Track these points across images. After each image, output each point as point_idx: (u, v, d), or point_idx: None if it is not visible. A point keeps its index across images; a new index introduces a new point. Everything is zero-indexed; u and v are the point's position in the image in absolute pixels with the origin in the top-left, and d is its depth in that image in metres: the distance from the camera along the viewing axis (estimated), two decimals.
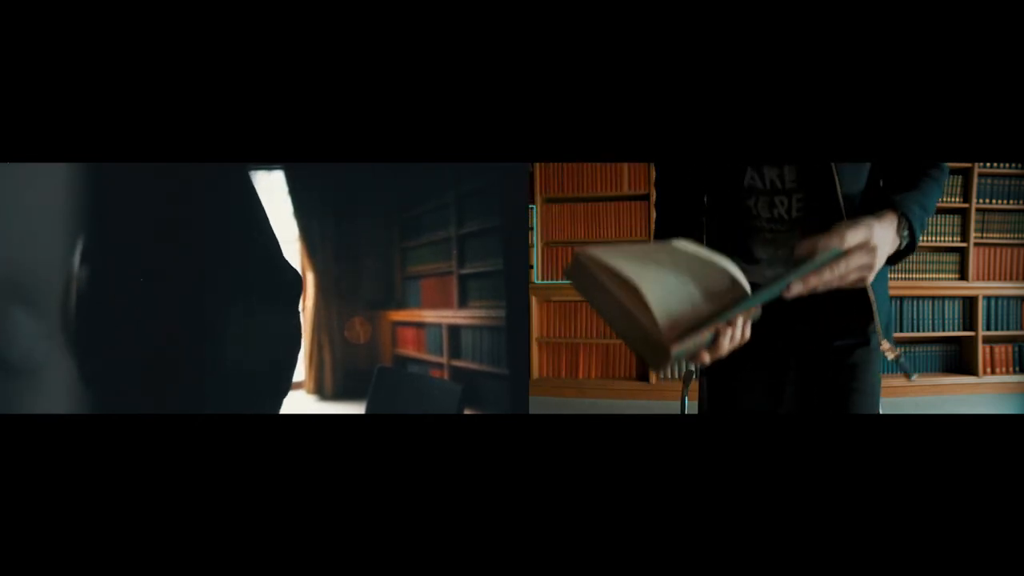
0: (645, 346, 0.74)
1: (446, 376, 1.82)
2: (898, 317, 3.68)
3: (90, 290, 0.83)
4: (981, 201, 3.64)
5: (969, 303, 3.71)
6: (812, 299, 0.80)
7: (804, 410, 1.02)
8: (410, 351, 1.84)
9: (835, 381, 0.99)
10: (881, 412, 1.03)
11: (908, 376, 0.93)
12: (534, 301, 3.87)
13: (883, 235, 0.81)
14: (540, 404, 3.51)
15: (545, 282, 3.91)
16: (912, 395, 3.50)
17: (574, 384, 3.79)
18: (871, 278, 0.82)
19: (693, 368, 1.02)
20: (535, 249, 3.89)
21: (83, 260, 0.84)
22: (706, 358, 0.77)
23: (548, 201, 3.91)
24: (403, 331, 1.85)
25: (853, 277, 0.80)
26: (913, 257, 3.73)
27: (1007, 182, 3.65)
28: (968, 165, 3.58)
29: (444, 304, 1.82)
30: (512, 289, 1.63)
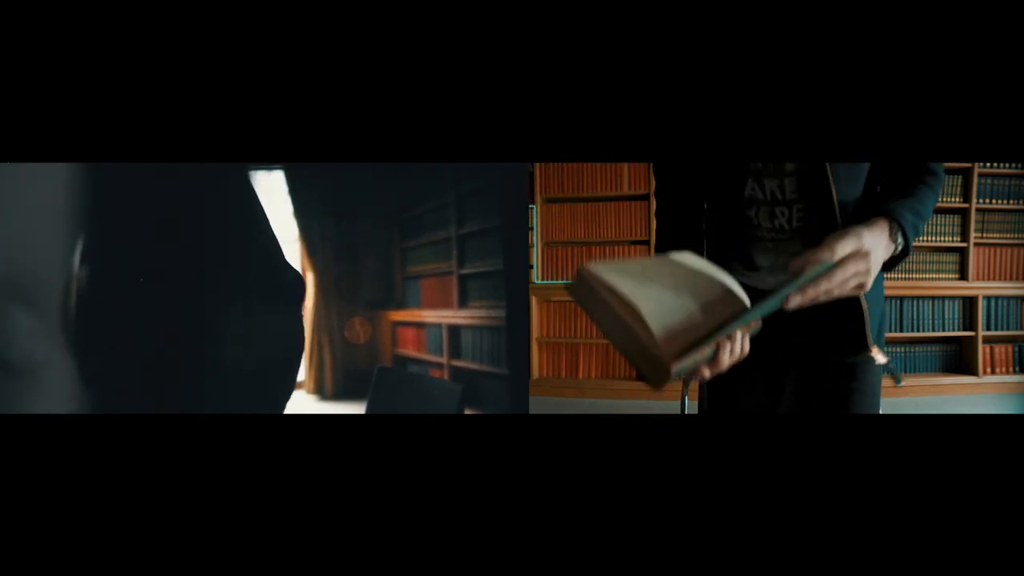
0: (645, 363, 0.75)
1: (446, 376, 1.82)
2: (898, 317, 3.68)
3: (90, 290, 0.83)
4: (981, 201, 3.64)
5: (969, 303, 3.71)
6: (811, 310, 0.81)
7: (804, 410, 1.02)
8: (410, 351, 1.84)
9: (835, 381, 1.00)
10: (881, 412, 1.03)
11: (896, 382, 0.94)
12: (534, 301, 3.87)
13: (874, 241, 0.81)
14: (540, 404, 3.51)
15: (545, 282, 3.91)
16: (912, 395, 3.50)
17: (574, 384, 3.79)
18: (869, 284, 0.82)
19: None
20: (535, 249, 3.89)
21: (83, 260, 0.84)
22: (706, 373, 0.77)
23: (548, 201, 3.91)
24: (403, 331, 1.85)
25: (852, 284, 0.80)
26: (913, 257, 3.74)
27: (1007, 182, 3.65)
28: (968, 165, 3.58)
29: (444, 304, 1.82)
30: (512, 289, 1.63)
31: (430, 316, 1.83)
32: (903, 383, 1.02)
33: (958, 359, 3.77)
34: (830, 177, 0.92)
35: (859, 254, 0.79)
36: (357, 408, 1.64)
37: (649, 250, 3.73)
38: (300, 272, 1.01)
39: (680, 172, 1.05)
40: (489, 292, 1.72)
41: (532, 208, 3.87)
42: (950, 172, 3.61)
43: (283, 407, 0.94)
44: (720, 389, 1.07)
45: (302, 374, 1.76)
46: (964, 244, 3.67)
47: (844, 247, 0.79)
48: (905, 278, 3.64)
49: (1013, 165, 3.57)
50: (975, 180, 3.60)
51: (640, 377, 0.76)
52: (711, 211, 1.05)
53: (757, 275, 1.02)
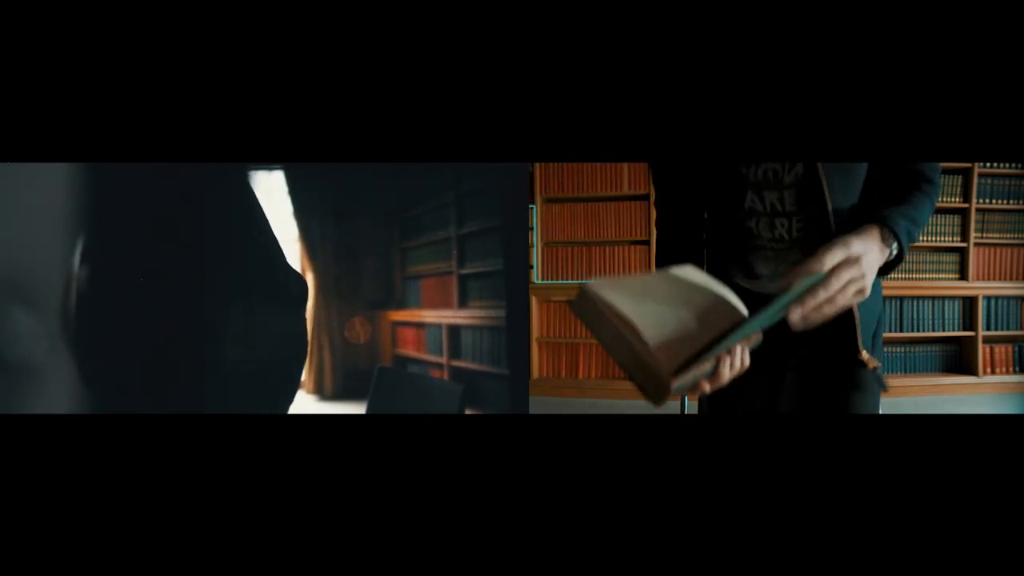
0: (646, 380, 0.76)
1: (446, 376, 1.82)
2: (898, 317, 3.68)
3: (90, 290, 0.83)
4: (981, 201, 3.65)
5: (969, 303, 3.71)
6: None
7: (804, 409, 1.02)
8: (410, 351, 1.84)
9: (834, 382, 1.00)
10: (881, 412, 1.03)
11: (883, 389, 0.94)
12: (534, 301, 3.87)
13: (864, 248, 0.81)
14: (540, 404, 3.51)
15: (545, 282, 3.91)
16: (912, 395, 3.50)
17: (574, 384, 3.80)
18: (868, 290, 0.82)
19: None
20: (535, 249, 3.89)
21: (83, 260, 0.84)
22: (707, 388, 0.78)
23: (548, 201, 3.91)
24: (403, 331, 1.85)
25: (851, 291, 0.80)
26: (913, 257, 3.74)
27: (1007, 182, 3.65)
28: (968, 165, 3.58)
29: (444, 304, 1.82)
30: (512, 289, 1.63)
31: (430, 316, 1.83)
32: (887, 390, 1.02)
33: (958, 359, 3.77)
34: (825, 188, 0.92)
35: (849, 261, 0.80)
36: (357, 408, 1.64)
37: (649, 250, 3.73)
38: (302, 275, 1.01)
39: (680, 182, 1.06)
40: (489, 292, 1.72)
41: (532, 208, 3.87)
42: (950, 172, 3.61)
43: (285, 409, 0.94)
44: (719, 390, 1.07)
45: (303, 375, 1.76)
46: (964, 244, 3.67)
47: (833, 256, 0.79)
48: (905, 278, 3.64)
49: (1013, 165, 3.57)
50: (975, 180, 3.60)
51: (642, 392, 0.77)
52: (711, 221, 1.05)
53: (758, 282, 1.03)
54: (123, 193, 0.86)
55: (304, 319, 0.97)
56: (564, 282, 3.88)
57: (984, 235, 3.67)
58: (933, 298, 3.70)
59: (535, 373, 3.89)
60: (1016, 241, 3.70)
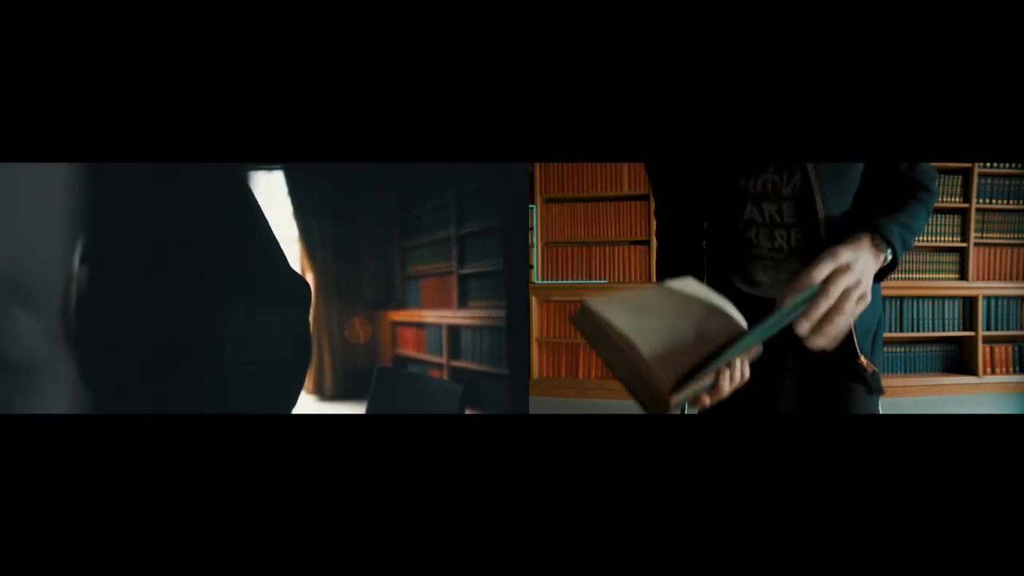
0: (646, 395, 0.77)
1: (446, 376, 1.82)
2: (898, 317, 3.68)
3: (90, 290, 0.83)
4: (981, 201, 3.64)
5: (969, 303, 3.71)
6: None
7: (804, 409, 1.02)
8: (410, 351, 1.84)
9: (834, 383, 1.00)
10: (881, 412, 1.03)
11: (879, 393, 0.94)
12: (534, 301, 3.87)
13: (854, 255, 0.82)
14: (540, 404, 3.51)
15: (545, 282, 3.91)
16: (912, 395, 3.50)
17: (574, 384, 3.80)
18: (868, 295, 0.82)
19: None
20: (535, 249, 3.89)
21: (83, 260, 0.84)
22: (707, 401, 0.78)
23: (548, 201, 3.91)
24: (403, 331, 1.85)
25: (854, 298, 0.80)
26: (913, 257, 3.74)
27: (1007, 182, 3.65)
28: (968, 165, 3.58)
29: (444, 304, 1.82)
30: (512, 289, 1.63)
31: (430, 316, 1.83)
32: (883, 392, 1.03)
33: (958, 359, 3.77)
34: (816, 197, 0.92)
35: (841, 270, 0.80)
36: (357, 408, 1.64)
37: (649, 250, 3.73)
38: (304, 278, 1.01)
39: (679, 193, 1.06)
40: (489, 292, 1.72)
41: (532, 208, 3.87)
42: (950, 172, 3.61)
43: (288, 410, 0.94)
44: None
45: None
46: (964, 244, 3.67)
47: (822, 269, 0.80)
48: (905, 278, 3.64)
49: (1013, 165, 3.57)
50: (975, 180, 3.60)
51: (642, 407, 0.78)
52: (711, 230, 1.05)
53: (758, 288, 1.03)
54: (123, 193, 0.86)
55: (307, 322, 0.97)
56: (564, 282, 3.88)
57: (984, 235, 3.67)
58: (933, 298, 3.70)
59: (535, 373, 3.89)
60: (1016, 241, 3.70)
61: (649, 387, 0.75)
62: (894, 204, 0.90)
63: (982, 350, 3.66)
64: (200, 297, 0.85)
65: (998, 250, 3.70)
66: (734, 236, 1.01)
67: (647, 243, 3.75)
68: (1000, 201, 3.66)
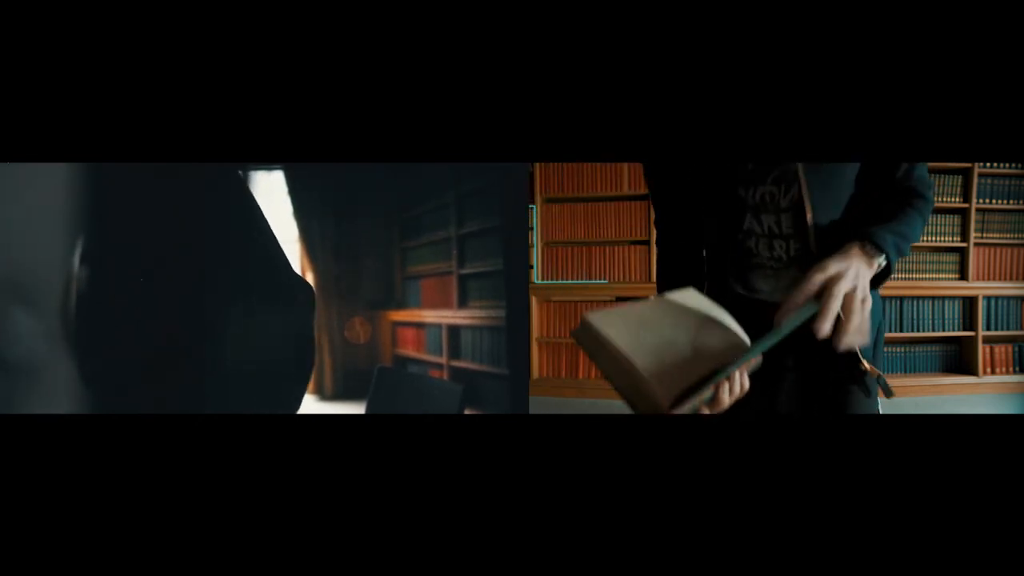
0: (646, 410, 0.77)
1: (446, 376, 1.82)
2: (898, 317, 3.68)
3: (90, 290, 0.83)
4: (981, 201, 3.64)
5: (969, 303, 3.71)
6: (804, 332, 0.82)
7: (804, 409, 1.02)
8: (410, 351, 1.84)
9: (834, 384, 1.00)
10: (881, 412, 1.03)
11: (887, 394, 0.95)
12: (534, 301, 3.87)
13: (844, 264, 0.83)
14: (540, 404, 3.51)
15: (545, 282, 3.91)
16: (912, 395, 3.50)
17: (574, 384, 3.79)
18: (869, 297, 0.83)
19: None
20: (535, 249, 3.89)
21: (83, 260, 0.84)
22: (706, 412, 0.79)
23: (548, 201, 3.91)
24: (403, 331, 1.85)
25: (858, 300, 0.82)
26: (913, 257, 3.74)
27: (1007, 182, 3.65)
28: (968, 165, 3.58)
29: (444, 304, 1.82)
30: (512, 289, 1.63)
31: (430, 316, 1.83)
32: (892, 393, 1.03)
33: (958, 359, 3.77)
34: (807, 208, 0.93)
35: (833, 280, 0.81)
36: (357, 408, 1.64)
37: (649, 250, 3.73)
38: (308, 283, 1.01)
39: (679, 203, 1.07)
40: (489, 292, 1.72)
41: (532, 208, 3.87)
42: (950, 172, 3.61)
43: (292, 413, 0.94)
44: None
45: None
46: (964, 244, 3.67)
47: (812, 284, 0.81)
48: (905, 278, 3.64)
49: (1013, 165, 3.57)
50: (975, 180, 3.60)
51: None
52: (710, 239, 1.06)
53: (758, 295, 1.04)
54: (123, 193, 0.86)
55: (312, 326, 0.97)
56: (564, 282, 3.88)
57: (984, 235, 3.67)
58: (933, 298, 3.69)
59: (535, 373, 3.89)
60: (1016, 241, 3.70)
61: (649, 403, 0.76)
62: (888, 213, 0.91)
63: (982, 350, 3.66)
64: (200, 297, 0.85)
65: (998, 250, 3.70)
66: (734, 245, 1.02)
67: (647, 243, 3.75)
68: (1000, 201, 3.66)
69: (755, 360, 0.82)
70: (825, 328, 0.80)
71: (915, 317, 3.69)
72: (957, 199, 3.64)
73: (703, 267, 1.06)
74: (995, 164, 3.56)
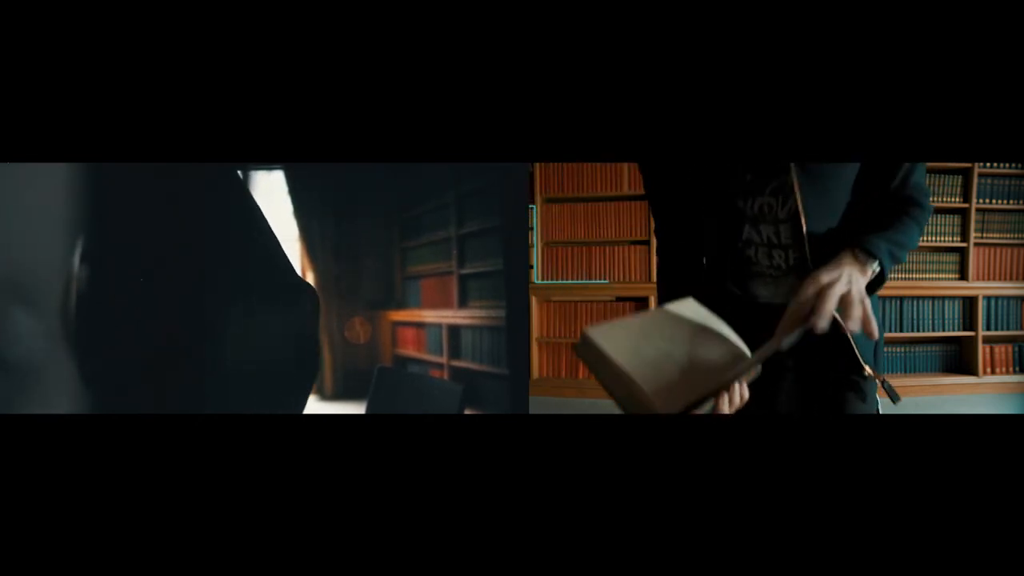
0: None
1: (446, 376, 1.82)
2: (898, 317, 3.68)
3: (90, 290, 0.83)
4: (981, 201, 3.64)
5: (969, 303, 3.71)
6: (807, 337, 0.83)
7: (803, 409, 1.02)
8: (410, 351, 1.84)
9: (833, 386, 1.00)
10: (880, 412, 1.03)
11: (893, 400, 0.95)
12: (534, 301, 3.87)
13: (836, 272, 0.84)
14: (540, 404, 3.51)
15: (545, 282, 3.91)
16: (912, 395, 3.50)
17: (574, 384, 3.79)
18: (868, 301, 0.84)
19: None
20: (535, 249, 3.89)
21: (83, 260, 0.84)
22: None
23: (548, 201, 3.91)
24: (403, 331, 1.85)
25: (858, 299, 0.82)
26: (913, 257, 3.73)
27: (1007, 182, 3.65)
28: (968, 165, 3.58)
29: (444, 304, 1.82)
30: (512, 289, 1.63)
31: (430, 316, 1.83)
32: (900, 399, 1.03)
33: (958, 359, 3.77)
34: (801, 216, 0.94)
35: (826, 286, 0.82)
36: (357, 408, 1.64)
37: (649, 251, 3.73)
38: (314, 288, 1.01)
39: (678, 213, 1.08)
40: (489, 292, 1.72)
41: (532, 208, 3.87)
42: (950, 172, 3.60)
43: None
44: None
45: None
46: (964, 244, 3.66)
47: (806, 296, 0.83)
48: (905, 278, 3.64)
49: (1013, 165, 3.57)
50: (975, 180, 3.60)
51: None
52: (710, 248, 1.06)
53: (758, 299, 1.04)
54: (123, 193, 0.86)
55: (317, 332, 0.98)
56: (564, 282, 3.88)
57: (984, 235, 3.67)
58: (933, 298, 3.69)
59: (535, 373, 3.88)
60: (1016, 241, 3.70)
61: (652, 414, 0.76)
62: (884, 221, 0.92)
63: (982, 350, 3.66)
64: (200, 297, 0.85)
65: (998, 250, 3.70)
66: (733, 254, 1.03)
67: (647, 243, 3.75)
68: (1000, 201, 3.66)
69: (755, 370, 0.83)
70: (821, 325, 0.81)
71: (915, 317, 3.69)
72: (957, 199, 3.64)
73: (703, 274, 1.07)
74: (995, 164, 3.55)
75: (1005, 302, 3.71)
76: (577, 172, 3.83)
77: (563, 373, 3.87)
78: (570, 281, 3.89)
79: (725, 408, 0.79)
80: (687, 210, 1.06)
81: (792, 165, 0.91)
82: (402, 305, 1.83)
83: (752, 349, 0.86)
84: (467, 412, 1.56)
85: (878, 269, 0.88)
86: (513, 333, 1.62)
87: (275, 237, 0.96)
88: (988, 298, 3.70)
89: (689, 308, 0.87)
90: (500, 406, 1.57)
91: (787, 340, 0.81)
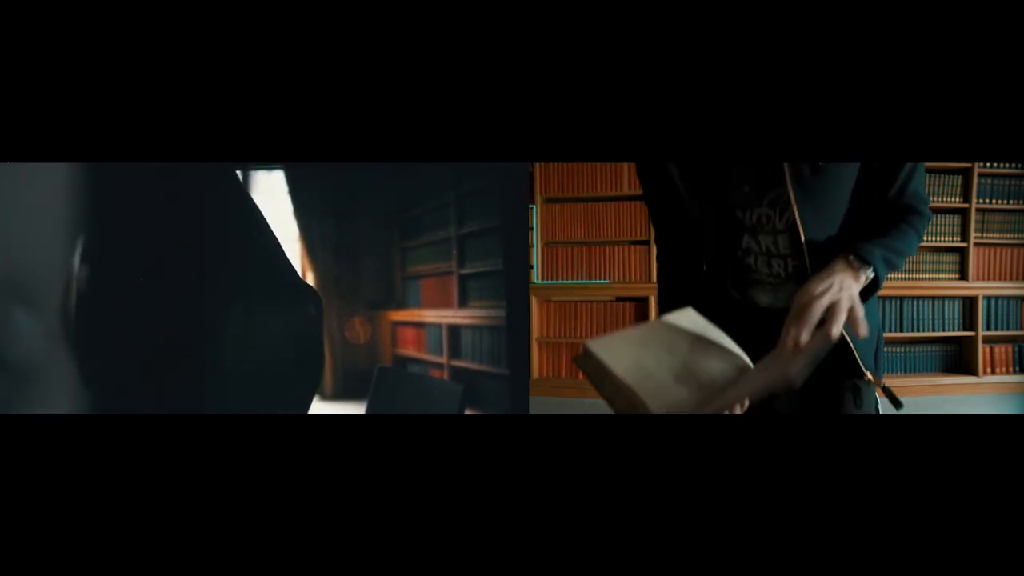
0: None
1: (446, 376, 1.82)
2: (898, 317, 3.68)
3: (90, 290, 0.83)
4: (981, 201, 3.64)
5: (969, 303, 3.71)
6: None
7: (803, 409, 1.02)
8: (410, 351, 1.84)
9: (833, 387, 1.00)
10: (880, 411, 1.03)
11: (896, 406, 0.95)
12: (534, 301, 3.87)
13: (828, 280, 0.85)
14: (540, 404, 3.51)
15: (545, 282, 3.91)
16: (912, 395, 3.49)
17: (574, 384, 3.79)
18: (859, 308, 0.84)
19: None
20: (535, 249, 3.89)
21: (83, 260, 0.84)
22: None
23: (548, 201, 3.91)
24: (403, 331, 1.85)
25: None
26: (913, 257, 3.72)
27: (1007, 182, 3.65)
28: (968, 165, 3.58)
29: (444, 304, 1.82)
30: (512, 289, 1.63)
31: (430, 316, 1.83)
32: (902, 405, 1.04)
33: (958, 359, 3.77)
34: (798, 225, 0.94)
35: (819, 295, 0.83)
36: (357, 408, 1.64)
37: (649, 251, 3.73)
38: (317, 291, 1.01)
39: (677, 222, 1.08)
40: (489, 292, 1.72)
41: (532, 208, 3.87)
42: (950, 172, 3.60)
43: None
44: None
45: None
46: (964, 244, 3.66)
47: (798, 307, 0.83)
48: (905, 278, 3.64)
49: (1013, 165, 3.57)
50: (975, 180, 3.60)
51: None
52: (709, 256, 1.07)
53: (759, 304, 1.04)
54: (123, 193, 0.86)
55: (321, 336, 0.98)
56: (564, 282, 3.88)
57: (984, 235, 3.67)
58: (933, 298, 3.69)
59: (535, 373, 3.89)
60: (1016, 241, 3.70)
61: None
62: (881, 229, 0.93)
63: (982, 350, 3.66)
64: (200, 297, 0.85)
65: (998, 250, 3.70)
66: (733, 261, 1.03)
67: (647, 243, 3.75)
68: (1000, 201, 3.66)
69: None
70: (803, 337, 0.81)
71: (915, 317, 3.69)
72: (957, 199, 3.64)
73: (703, 280, 1.07)
74: (995, 164, 3.55)
75: (1005, 302, 3.71)
76: (577, 172, 3.83)
77: (563, 373, 3.87)
78: (570, 281, 3.89)
79: (736, 409, 0.79)
80: (686, 219, 1.06)
81: (787, 177, 0.91)
82: (402, 305, 1.83)
83: (752, 355, 0.86)
84: (467, 412, 1.56)
85: (872, 275, 0.89)
86: (513, 333, 1.62)
87: (275, 237, 0.96)
88: (988, 298, 3.70)
89: (688, 318, 0.88)
90: (500, 406, 1.57)
91: (797, 370, 0.80)
